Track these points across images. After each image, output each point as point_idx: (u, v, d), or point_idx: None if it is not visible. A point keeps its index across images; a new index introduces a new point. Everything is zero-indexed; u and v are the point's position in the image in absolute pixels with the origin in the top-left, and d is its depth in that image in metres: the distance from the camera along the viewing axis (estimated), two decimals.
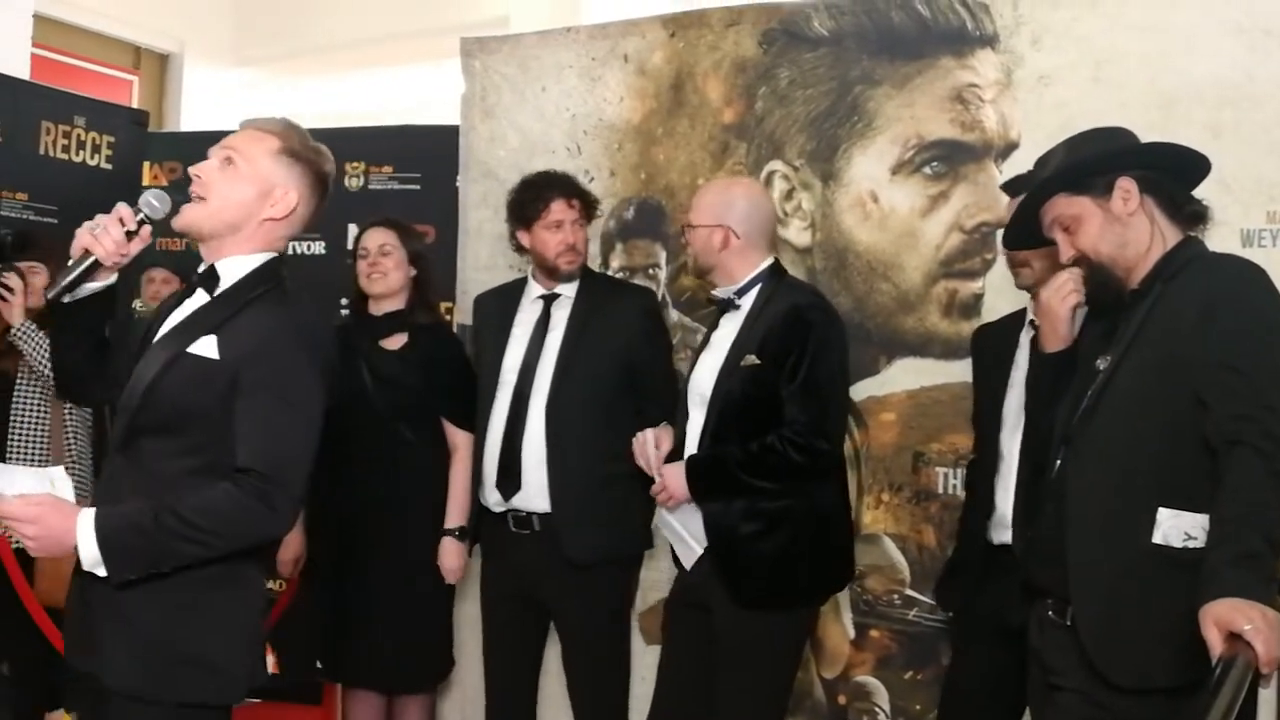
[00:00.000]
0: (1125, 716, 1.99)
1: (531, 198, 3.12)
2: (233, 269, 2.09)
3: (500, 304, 3.26)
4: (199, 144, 4.92)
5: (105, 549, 1.91)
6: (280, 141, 2.12)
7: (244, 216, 2.08)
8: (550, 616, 3.15)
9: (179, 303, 2.15)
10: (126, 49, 6.33)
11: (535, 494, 3.03)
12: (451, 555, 3.20)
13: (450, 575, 3.20)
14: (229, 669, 2.02)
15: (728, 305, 2.84)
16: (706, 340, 2.91)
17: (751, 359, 2.72)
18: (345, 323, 3.44)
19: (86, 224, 2.06)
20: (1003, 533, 2.62)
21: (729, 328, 2.83)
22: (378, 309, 3.32)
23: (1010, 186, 2.75)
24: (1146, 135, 2.23)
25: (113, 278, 2.13)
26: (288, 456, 1.99)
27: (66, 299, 2.10)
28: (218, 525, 1.93)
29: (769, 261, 2.86)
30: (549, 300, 3.15)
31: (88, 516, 1.92)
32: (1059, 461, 2.14)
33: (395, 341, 3.29)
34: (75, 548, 1.92)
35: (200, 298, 2.10)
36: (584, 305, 3.12)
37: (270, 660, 4.36)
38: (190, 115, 6.39)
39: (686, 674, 2.81)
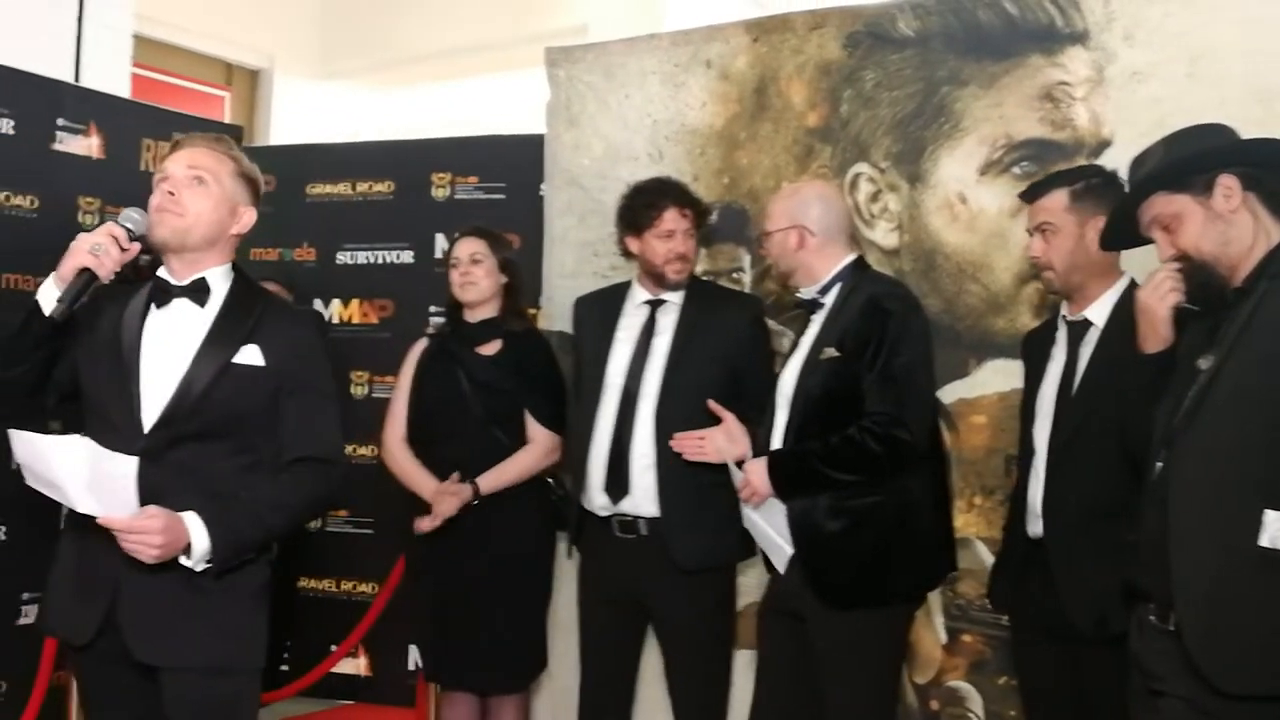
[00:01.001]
0: None
1: (644, 205, 3.13)
2: (218, 281, 2.30)
3: (603, 308, 3.27)
4: (290, 157, 5.09)
5: (216, 545, 2.14)
6: (235, 164, 2.34)
7: (219, 232, 2.29)
8: (649, 621, 3.15)
9: (141, 314, 2.25)
10: (218, 66, 6.51)
11: (643, 498, 3.03)
12: (450, 504, 3.18)
13: (434, 519, 3.18)
14: (265, 634, 2.30)
15: (813, 305, 2.84)
16: (796, 344, 2.91)
17: (831, 352, 2.72)
18: (442, 330, 3.51)
19: (82, 244, 2.18)
20: (1035, 524, 2.62)
21: (814, 326, 2.83)
22: (472, 316, 3.39)
23: (1028, 194, 2.73)
24: (1246, 131, 2.19)
25: None
26: (336, 440, 2.34)
27: (62, 316, 2.18)
28: (298, 509, 2.30)
29: (851, 257, 2.86)
30: (655, 306, 3.17)
31: (194, 518, 2.13)
32: (1160, 464, 2.10)
33: (490, 348, 3.36)
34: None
35: (187, 307, 2.26)
36: (691, 312, 3.13)
37: (363, 662, 4.48)
38: (280, 129, 6.55)
39: (784, 682, 2.80)
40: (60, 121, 4.00)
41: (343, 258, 4.69)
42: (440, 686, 3.49)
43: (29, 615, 3.86)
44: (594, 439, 3.12)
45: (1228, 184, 2.07)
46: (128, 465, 2.10)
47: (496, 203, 4.46)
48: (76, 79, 4.47)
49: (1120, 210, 2.22)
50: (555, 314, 3.85)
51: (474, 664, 3.25)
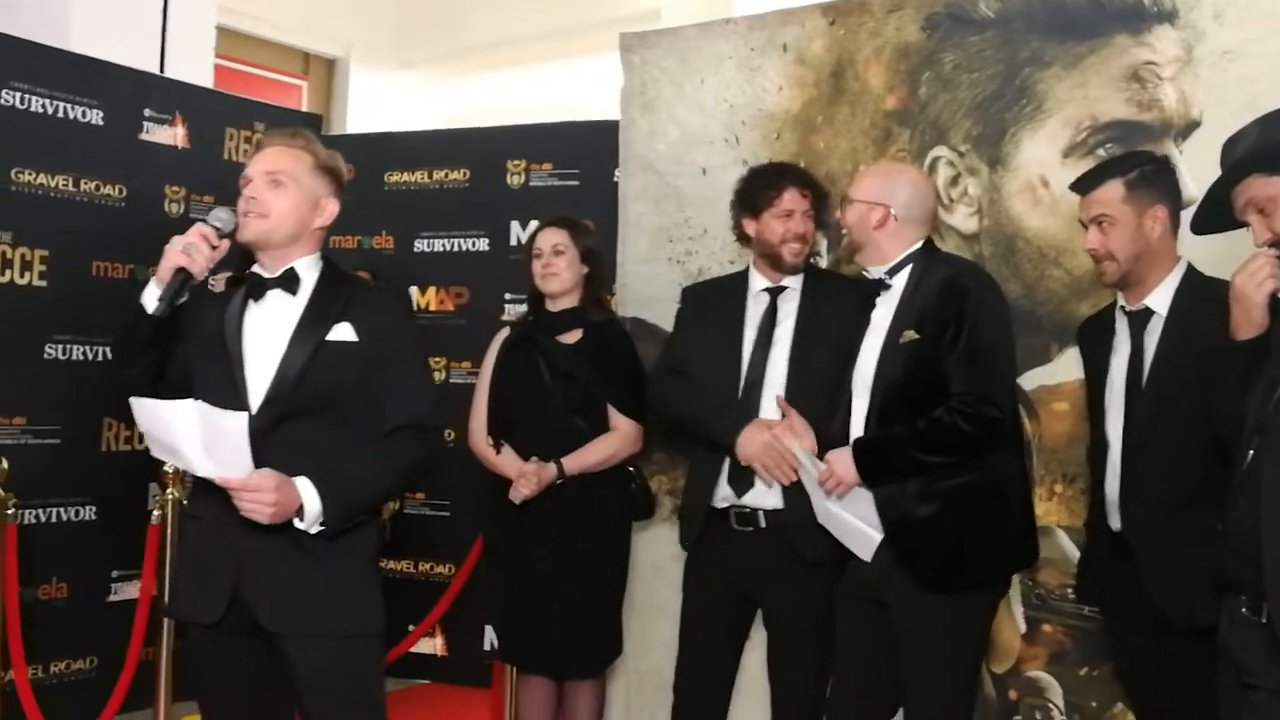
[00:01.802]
0: None
1: (764, 185, 3.11)
2: (307, 270, 2.42)
3: (720, 296, 3.20)
4: (367, 146, 5.15)
5: (328, 507, 2.25)
6: (313, 158, 2.44)
7: (301, 228, 2.40)
8: (755, 612, 3.13)
9: (241, 304, 2.37)
10: (296, 55, 6.61)
11: (766, 490, 2.99)
12: (529, 486, 3.20)
13: (522, 489, 3.21)
14: (382, 599, 2.40)
15: (878, 286, 2.83)
16: (862, 331, 2.86)
17: (911, 334, 2.70)
18: (524, 319, 3.53)
19: (176, 245, 2.32)
20: (1115, 517, 2.59)
21: (884, 309, 2.81)
22: (554, 305, 3.41)
23: (1081, 186, 2.68)
24: None
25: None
26: (430, 406, 2.43)
27: (163, 313, 2.32)
28: (401, 471, 2.41)
29: (921, 241, 2.84)
30: (775, 293, 3.13)
31: (305, 482, 2.25)
32: (1251, 452, 2.06)
33: (571, 336, 3.38)
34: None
35: (280, 297, 2.38)
36: (811, 299, 3.09)
37: (439, 643, 4.55)
38: (355, 117, 6.64)
39: (864, 669, 2.79)
40: (147, 112, 4.10)
41: (420, 245, 4.74)
42: (516, 669, 3.53)
43: (119, 592, 3.98)
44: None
45: None
46: (238, 420, 2.19)
47: (571, 189, 4.48)
48: (162, 70, 4.57)
49: (1214, 193, 2.17)
50: (630, 300, 3.86)
51: (550, 648, 3.27)
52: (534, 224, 3.62)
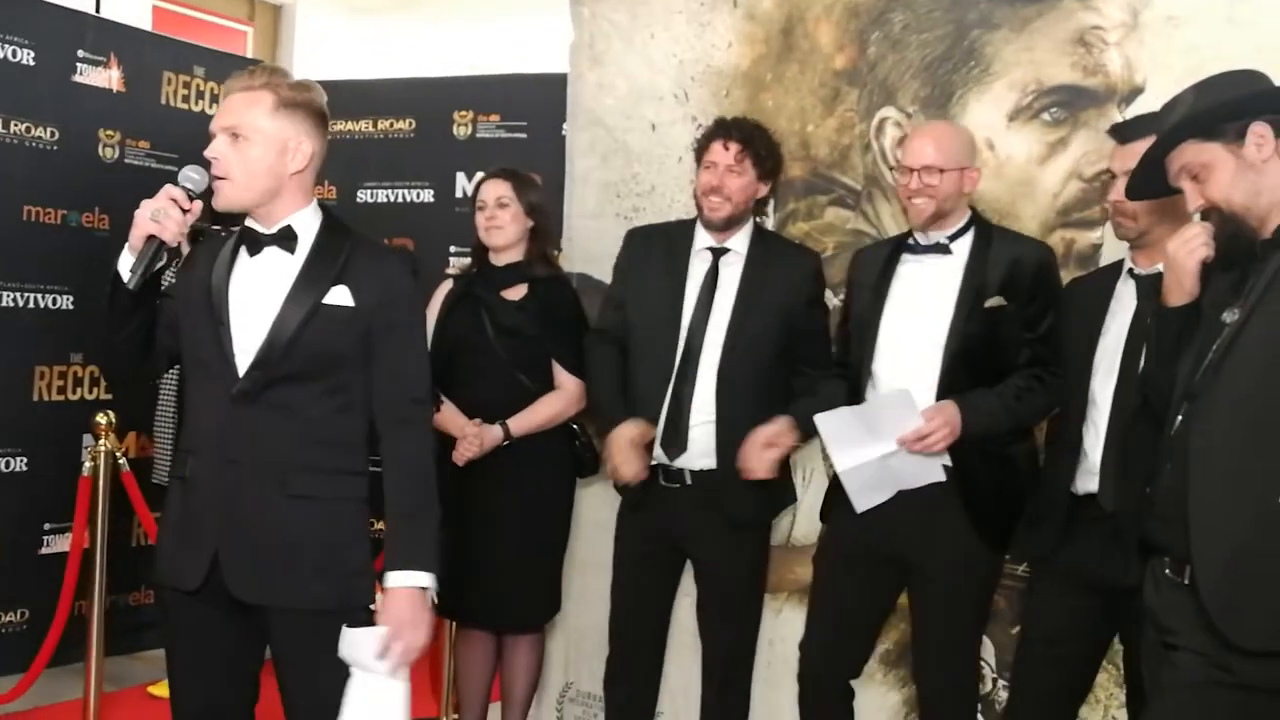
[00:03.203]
0: (1250, 680, 1.94)
1: (703, 138, 3.12)
2: (305, 225, 2.25)
3: (667, 250, 3.14)
4: None
5: (435, 574, 2.24)
6: (272, 95, 2.21)
7: (274, 180, 2.21)
8: (684, 562, 3.15)
9: (229, 262, 2.24)
10: (241, 1, 6.46)
11: (700, 453, 2.99)
12: (471, 449, 3.19)
13: (459, 458, 3.20)
14: (370, 573, 2.32)
15: (925, 249, 2.84)
16: (886, 289, 2.86)
17: (999, 300, 2.75)
18: (468, 273, 3.48)
19: (145, 211, 2.16)
20: (1089, 481, 2.59)
21: (936, 271, 2.83)
22: (498, 260, 3.37)
23: (1122, 134, 2.66)
24: None
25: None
26: (426, 379, 2.33)
27: (136, 285, 2.17)
28: (432, 469, 2.30)
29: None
30: (717, 255, 3.09)
31: (422, 578, 2.23)
32: (1179, 418, 2.08)
33: (516, 292, 3.34)
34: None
35: (277, 254, 2.24)
36: (755, 265, 3.05)
37: (380, 598, 4.52)
38: (302, 66, 6.50)
39: (856, 624, 2.91)
40: (80, 53, 3.99)
41: (363, 196, 4.69)
42: (456, 623, 3.52)
43: (51, 545, 3.93)
44: (660, 390, 3.03)
45: (1260, 132, 2.02)
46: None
47: (518, 142, 4.44)
48: (97, 10, 4.45)
49: (1148, 158, 2.17)
50: (576, 256, 3.82)
51: (491, 603, 3.27)
52: (479, 175, 3.58)
